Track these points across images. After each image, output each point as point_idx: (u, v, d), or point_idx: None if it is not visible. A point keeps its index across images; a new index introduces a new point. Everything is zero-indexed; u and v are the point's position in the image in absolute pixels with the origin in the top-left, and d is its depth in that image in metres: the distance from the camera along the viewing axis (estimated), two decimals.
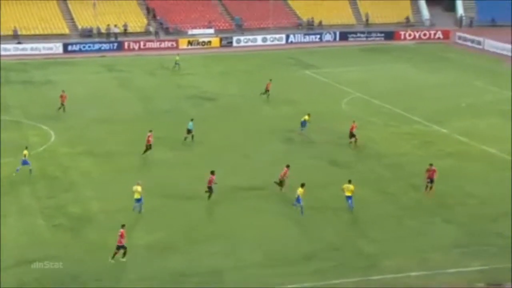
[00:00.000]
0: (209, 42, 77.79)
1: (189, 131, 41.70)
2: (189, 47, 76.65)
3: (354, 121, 42.29)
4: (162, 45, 76.20)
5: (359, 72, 63.08)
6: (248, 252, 28.49)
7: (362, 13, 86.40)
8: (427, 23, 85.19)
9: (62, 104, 48.32)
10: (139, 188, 31.96)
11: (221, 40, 78.36)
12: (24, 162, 36.20)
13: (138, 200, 31.98)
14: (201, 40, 77.74)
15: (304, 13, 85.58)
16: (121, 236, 27.46)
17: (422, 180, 34.74)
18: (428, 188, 34.32)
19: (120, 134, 43.43)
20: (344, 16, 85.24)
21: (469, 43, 76.01)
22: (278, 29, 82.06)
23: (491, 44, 73.12)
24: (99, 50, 72.60)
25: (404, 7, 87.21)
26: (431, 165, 34.72)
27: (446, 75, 61.32)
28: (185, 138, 41.55)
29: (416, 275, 27.00)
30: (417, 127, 45.65)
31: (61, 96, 48.68)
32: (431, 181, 34.31)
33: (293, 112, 49.53)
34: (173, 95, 54.81)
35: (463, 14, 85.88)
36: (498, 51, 71.40)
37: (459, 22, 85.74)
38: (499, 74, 61.74)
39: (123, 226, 27.87)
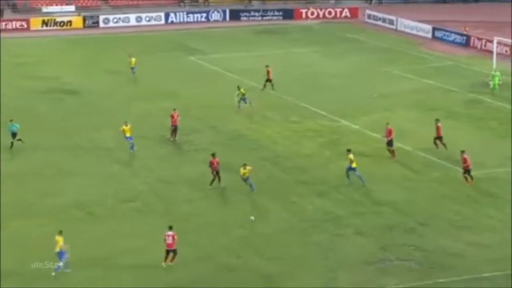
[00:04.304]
0: (70, 22, 76.34)
1: (14, 135, 41.41)
2: (44, 28, 74.92)
3: (387, 123, 40.32)
4: (9, 26, 74.08)
5: (254, 58, 63.59)
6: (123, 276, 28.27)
7: None
8: None
9: None
10: None
11: (84, 19, 77.06)
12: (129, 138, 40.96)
13: None
14: (59, 19, 76.15)
15: None
16: None
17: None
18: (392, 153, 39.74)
19: None
20: None
21: (380, 23, 78.42)
22: (155, 7, 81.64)
23: (405, 23, 75.71)
24: None
25: None
26: (387, 123, 40.34)
27: (355, 60, 62.91)
28: (12, 144, 41.15)
29: None
30: (323, 123, 46.54)
31: None
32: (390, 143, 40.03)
33: (174, 107, 49.23)
34: (23, 89, 53.50)
35: None
36: (414, 31, 74.03)
37: None
38: (415, 59, 64.01)
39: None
